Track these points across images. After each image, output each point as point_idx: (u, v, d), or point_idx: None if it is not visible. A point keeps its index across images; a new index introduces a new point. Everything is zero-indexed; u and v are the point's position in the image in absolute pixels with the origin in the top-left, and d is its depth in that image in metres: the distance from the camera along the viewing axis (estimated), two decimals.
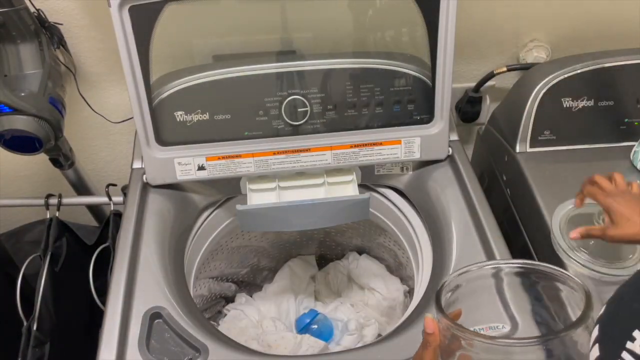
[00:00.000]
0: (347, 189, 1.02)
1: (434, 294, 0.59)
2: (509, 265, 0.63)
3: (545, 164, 1.04)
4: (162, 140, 0.94)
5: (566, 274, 0.60)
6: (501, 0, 1.16)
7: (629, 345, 0.44)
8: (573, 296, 0.57)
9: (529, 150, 1.07)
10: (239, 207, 0.96)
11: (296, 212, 0.97)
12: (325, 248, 1.37)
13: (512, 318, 0.64)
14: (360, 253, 1.34)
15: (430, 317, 0.56)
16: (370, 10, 0.91)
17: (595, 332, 0.49)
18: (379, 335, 1.21)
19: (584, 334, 0.52)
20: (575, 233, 0.83)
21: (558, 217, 0.93)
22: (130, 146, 1.11)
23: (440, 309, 0.56)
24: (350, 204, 0.98)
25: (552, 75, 1.03)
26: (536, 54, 1.22)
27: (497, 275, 0.64)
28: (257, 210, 0.97)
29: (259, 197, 1.01)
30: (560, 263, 0.89)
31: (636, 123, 1.07)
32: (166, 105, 0.91)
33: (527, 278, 0.63)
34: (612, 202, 0.78)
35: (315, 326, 1.20)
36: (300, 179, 1.02)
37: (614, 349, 0.45)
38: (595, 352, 0.48)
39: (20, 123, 0.98)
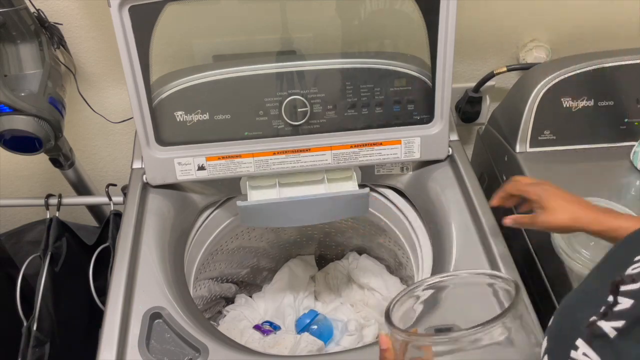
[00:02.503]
0: (347, 184, 1.03)
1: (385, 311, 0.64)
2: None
3: (545, 164, 1.04)
4: (162, 140, 0.94)
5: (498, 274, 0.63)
6: (501, 0, 1.16)
7: (572, 354, 0.45)
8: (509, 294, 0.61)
9: (529, 150, 1.07)
10: (240, 203, 0.96)
11: (296, 207, 0.98)
12: (325, 248, 1.37)
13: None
14: (360, 253, 1.34)
15: (384, 334, 0.59)
16: (370, 10, 0.91)
17: (545, 343, 0.50)
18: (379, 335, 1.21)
19: (515, 324, 0.55)
20: (507, 220, 0.81)
21: None
22: (130, 146, 1.11)
23: (389, 322, 0.60)
24: (350, 199, 0.99)
25: (552, 75, 1.03)
26: (536, 54, 1.22)
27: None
28: (258, 205, 0.97)
29: (259, 193, 1.01)
30: (560, 263, 0.89)
31: (636, 123, 1.07)
32: (166, 105, 0.91)
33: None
34: (541, 190, 0.77)
35: (315, 327, 1.20)
36: (300, 175, 1.02)
37: (560, 359, 0.46)
38: None
39: (20, 123, 0.98)
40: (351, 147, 0.98)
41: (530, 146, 1.07)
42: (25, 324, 1.01)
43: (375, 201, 1.11)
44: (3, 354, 1.16)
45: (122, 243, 0.89)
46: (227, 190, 1.05)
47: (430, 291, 0.68)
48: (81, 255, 1.17)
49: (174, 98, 0.91)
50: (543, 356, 0.50)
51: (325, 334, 1.19)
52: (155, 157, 0.95)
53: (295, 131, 0.96)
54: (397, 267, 1.26)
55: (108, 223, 1.16)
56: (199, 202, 1.03)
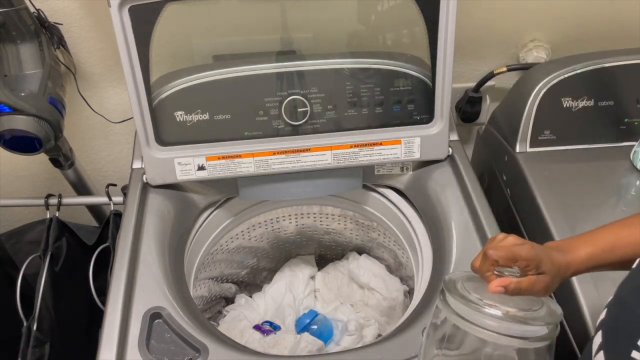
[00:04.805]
0: None
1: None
2: None
3: (545, 164, 1.04)
4: (162, 140, 0.94)
5: None
6: (501, 0, 1.16)
7: (634, 354, 0.43)
8: None
9: (529, 150, 1.07)
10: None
11: (294, 180, 1.02)
12: (325, 248, 1.37)
13: None
14: (360, 253, 1.34)
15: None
16: (370, 10, 0.91)
17: (599, 338, 0.48)
18: (379, 335, 1.21)
19: None
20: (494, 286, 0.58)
21: None
22: (130, 146, 1.12)
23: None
24: (343, 172, 1.03)
25: (552, 75, 1.03)
26: (536, 54, 1.22)
27: None
28: (258, 178, 1.00)
29: None
30: None
31: (636, 123, 1.07)
32: (166, 105, 0.91)
33: None
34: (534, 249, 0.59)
35: (315, 327, 1.20)
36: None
37: (619, 357, 0.44)
38: (601, 358, 0.47)
39: (20, 123, 0.98)
40: (351, 147, 0.98)
41: (530, 146, 1.07)
42: (25, 324, 1.01)
43: (375, 201, 1.11)
44: (3, 354, 1.16)
45: (122, 243, 0.89)
46: (227, 190, 1.05)
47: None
48: (81, 255, 1.17)
49: (174, 98, 0.91)
50: (597, 352, 0.47)
51: (325, 334, 1.19)
52: (155, 157, 0.95)
53: (295, 131, 0.96)
54: (397, 267, 1.26)
55: (108, 223, 1.16)
56: (199, 202, 1.04)
